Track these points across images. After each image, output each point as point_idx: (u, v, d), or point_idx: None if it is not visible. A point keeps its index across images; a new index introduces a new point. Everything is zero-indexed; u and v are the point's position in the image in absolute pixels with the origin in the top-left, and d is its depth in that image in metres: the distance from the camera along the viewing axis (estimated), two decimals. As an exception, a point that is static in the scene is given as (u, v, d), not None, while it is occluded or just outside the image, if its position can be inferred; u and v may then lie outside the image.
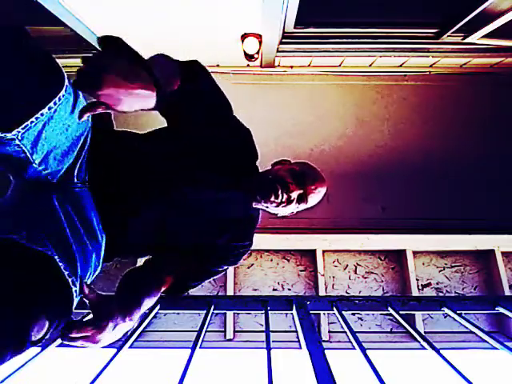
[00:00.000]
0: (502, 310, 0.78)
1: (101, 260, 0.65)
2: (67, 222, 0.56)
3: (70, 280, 0.49)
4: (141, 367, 1.75)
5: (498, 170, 2.08)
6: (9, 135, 0.45)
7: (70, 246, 0.53)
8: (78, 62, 2.23)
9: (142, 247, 0.81)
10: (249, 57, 1.87)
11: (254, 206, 0.88)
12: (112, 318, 0.52)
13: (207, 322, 0.75)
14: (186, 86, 0.67)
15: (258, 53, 1.83)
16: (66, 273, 0.49)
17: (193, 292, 0.87)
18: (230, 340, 1.66)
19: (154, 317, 0.92)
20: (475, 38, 1.72)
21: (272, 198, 0.81)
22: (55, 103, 0.48)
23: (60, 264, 0.48)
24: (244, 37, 1.71)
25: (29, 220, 0.52)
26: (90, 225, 0.61)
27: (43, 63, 0.47)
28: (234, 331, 1.69)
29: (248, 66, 2.14)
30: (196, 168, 0.75)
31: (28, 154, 0.50)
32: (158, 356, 1.66)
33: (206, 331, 0.72)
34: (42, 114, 0.47)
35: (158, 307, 0.82)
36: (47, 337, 0.44)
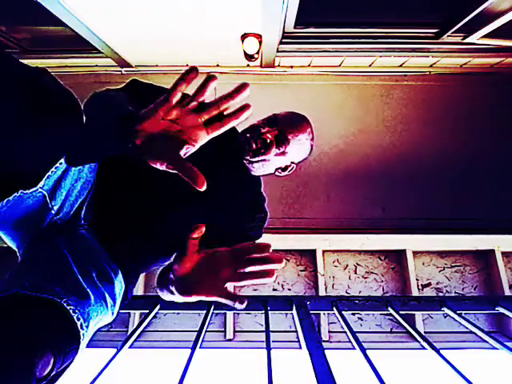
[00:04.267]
0: (502, 309, 0.78)
1: (117, 298, 0.61)
2: (76, 265, 0.54)
3: (78, 323, 0.48)
4: (141, 367, 1.75)
5: (498, 170, 2.07)
6: (34, 189, 0.47)
7: (81, 290, 0.51)
8: (78, 62, 2.22)
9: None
10: (249, 57, 1.87)
11: (252, 172, 0.82)
12: None
13: (207, 321, 0.75)
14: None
15: (258, 53, 1.83)
16: (74, 316, 0.47)
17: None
18: (229, 340, 1.66)
19: (154, 317, 0.92)
20: (475, 38, 1.71)
21: (247, 147, 0.75)
22: None
23: (66, 307, 0.47)
24: (244, 37, 1.71)
25: (34, 271, 0.51)
26: (100, 266, 0.59)
27: (62, 108, 0.47)
28: (234, 331, 1.69)
29: (248, 66, 2.14)
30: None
31: (48, 199, 0.50)
32: (158, 356, 1.66)
33: (206, 331, 0.72)
34: (60, 163, 0.48)
35: (158, 307, 0.82)
36: (53, 373, 0.43)
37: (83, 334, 0.48)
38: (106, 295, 0.57)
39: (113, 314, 0.59)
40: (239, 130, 0.84)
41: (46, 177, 0.47)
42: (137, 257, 0.71)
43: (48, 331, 0.43)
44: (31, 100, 0.44)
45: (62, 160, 0.48)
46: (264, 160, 0.77)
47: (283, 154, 0.78)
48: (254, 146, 0.75)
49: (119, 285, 0.62)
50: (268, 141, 0.75)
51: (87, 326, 0.49)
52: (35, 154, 0.46)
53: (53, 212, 0.53)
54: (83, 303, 0.50)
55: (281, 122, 0.77)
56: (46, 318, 0.45)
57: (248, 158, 0.76)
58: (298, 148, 0.81)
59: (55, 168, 0.48)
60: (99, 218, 0.65)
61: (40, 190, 0.48)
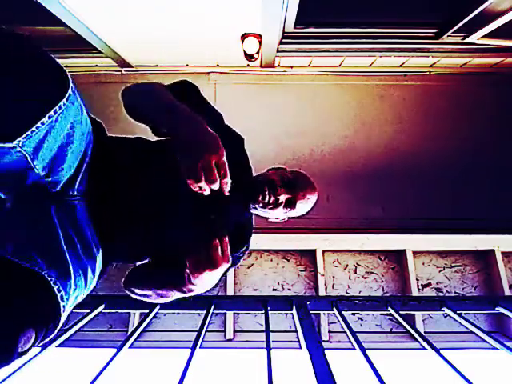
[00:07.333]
0: (501, 309, 0.78)
1: (96, 275, 0.62)
2: (63, 235, 0.54)
3: (58, 295, 0.49)
4: (141, 367, 1.75)
5: (498, 170, 2.07)
6: (10, 145, 0.45)
7: (64, 261, 0.52)
8: (78, 62, 2.22)
9: (140, 258, 0.80)
10: (249, 57, 1.87)
11: (250, 209, 0.89)
12: None
13: (207, 321, 0.75)
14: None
15: (258, 53, 1.83)
16: (55, 287, 0.48)
17: (193, 292, 0.86)
18: (230, 340, 1.66)
19: (154, 317, 0.92)
20: (475, 38, 1.71)
21: (260, 199, 0.83)
22: (55, 112, 0.47)
23: (48, 278, 0.48)
24: (244, 37, 1.71)
25: (19, 233, 0.51)
26: (85, 239, 0.60)
27: (44, 68, 0.46)
28: (234, 331, 1.69)
29: (248, 66, 2.14)
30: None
31: (29, 159, 0.49)
32: (158, 356, 1.66)
33: (206, 331, 0.72)
34: (42, 123, 0.46)
35: (158, 307, 0.82)
36: (33, 347, 0.45)
37: (63, 306, 0.50)
38: (88, 269, 0.58)
39: (87, 290, 0.60)
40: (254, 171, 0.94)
41: (24, 135, 0.44)
42: (124, 241, 0.71)
43: (32, 305, 0.45)
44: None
45: (45, 119, 0.45)
46: (267, 212, 0.87)
47: (286, 213, 0.88)
48: (266, 200, 0.83)
49: (99, 263, 0.63)
50: (279, 201, 0.84)
51: (67, 299, 0.50)
52: (18, 108, 0.44)
53: (36, 171, 0.51)
54: (64, 276, 0.50)
55: (297, 189, 0.86)
56: (30, 291, 0.46)
57: (255, 205, 0.85)
58: (298, 212, 0.90)
59: (36, 128, 0.45)
60: (94, 194, 0.64)
61: (19, 149, 0.45)
